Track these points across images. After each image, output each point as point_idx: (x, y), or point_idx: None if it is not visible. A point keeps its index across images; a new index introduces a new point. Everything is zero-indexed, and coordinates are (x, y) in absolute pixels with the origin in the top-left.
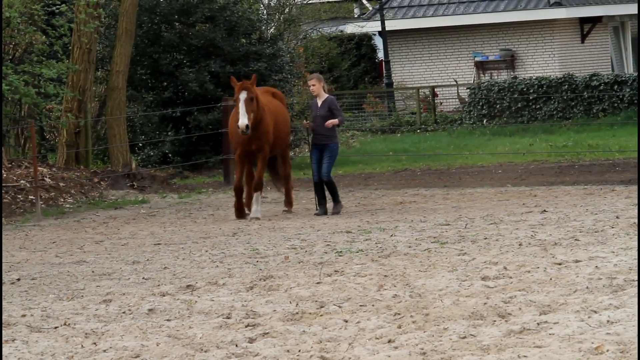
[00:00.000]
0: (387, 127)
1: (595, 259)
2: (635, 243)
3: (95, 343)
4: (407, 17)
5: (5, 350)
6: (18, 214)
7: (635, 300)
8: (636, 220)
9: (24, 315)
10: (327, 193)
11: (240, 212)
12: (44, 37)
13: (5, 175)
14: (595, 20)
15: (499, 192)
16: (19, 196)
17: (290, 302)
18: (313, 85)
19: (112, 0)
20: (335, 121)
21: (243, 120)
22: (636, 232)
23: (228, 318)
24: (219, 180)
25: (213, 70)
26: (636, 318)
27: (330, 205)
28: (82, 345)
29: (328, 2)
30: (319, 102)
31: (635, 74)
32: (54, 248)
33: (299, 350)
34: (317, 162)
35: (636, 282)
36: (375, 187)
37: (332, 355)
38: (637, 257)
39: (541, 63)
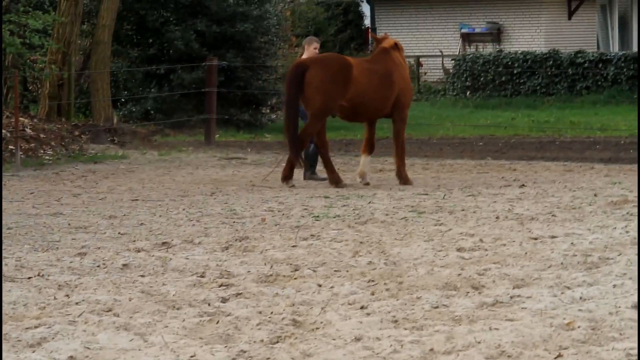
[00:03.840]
0: None
1: (571, 236)
2: (612, 221)
3: (68, 295)
4: None
5: None
6: None
7: (609, 277)
8: (614, 199)
9: None
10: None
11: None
12: None
13: None
14: None
15: (478, 164)
16: None
17: (265, 264)
18: (315, 48)
19: None
20: None
21: None
22: (613, 210)
23: (202, 277)
24: (199, 139)
25: (199, 29)
26: (609, 295)
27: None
28: (54, 297)
29: None
30: None
31: (620, 53)
32: (31, 199)
33: (271, 312)
34: None
35: (611, 260)
36: (356, 154)
37: (304, 318)
38: (636, 236)
39: (527, 38)
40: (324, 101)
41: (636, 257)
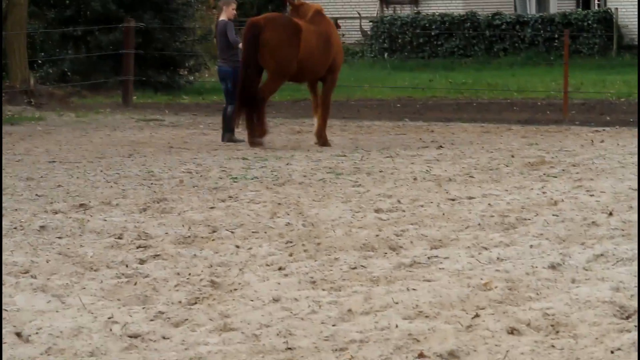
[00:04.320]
0: None
1: (488, 197)
2: (529, 182)
3: None
4: None
5: None
6: None
7: (526, 238)
8: (531, 160)
9: None
10: None
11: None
12: None
13: None
14: None
15: (396, 125)
16: None
17: (183, 226)
18: (233, 9)
19: None
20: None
21: None
22: (530, 171)
23: (120, 238)
24: (117, 101)
25: None
26: (526, 256)
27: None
28: None
29: None
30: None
31: (537, 15)
32: None
33: (189, 274)
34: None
35: (528, 221)
36: (274, 116)
37: (222, 279)
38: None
39: (445, 0)
40: (283, 62)
41: (553, 217)
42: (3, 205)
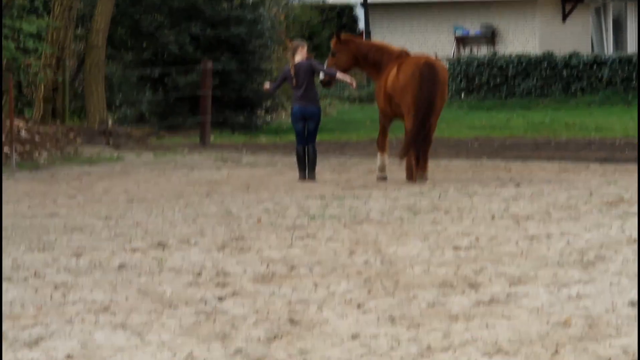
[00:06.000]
0: (365, 96)
1: (567, 234)
2: (608, 220)
3: (64, 295)
4: None
5: None
6: None
7: (606, 275)
8: (609, 198)
9: None
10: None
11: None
12: None
13: None
14: (577, 0)
15: (474, 164)
16: None
17: (261, 264)
18: (306, 51)
19: None
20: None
21: None
22: (609, 209)
23: (198, 276)
24: (194, 142)
25: (193, 32)
26: (605, 293)
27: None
28: (51, 297)
29: None
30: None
31: (614, 55)
32: (26, 200)
33: (268, 311)
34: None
35: (607, 259)
36: (351, 155)
37: (301, 317)
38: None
39: (522, 40)
40: (443, 100)
41: (632, 255)
42: (82, 244)
